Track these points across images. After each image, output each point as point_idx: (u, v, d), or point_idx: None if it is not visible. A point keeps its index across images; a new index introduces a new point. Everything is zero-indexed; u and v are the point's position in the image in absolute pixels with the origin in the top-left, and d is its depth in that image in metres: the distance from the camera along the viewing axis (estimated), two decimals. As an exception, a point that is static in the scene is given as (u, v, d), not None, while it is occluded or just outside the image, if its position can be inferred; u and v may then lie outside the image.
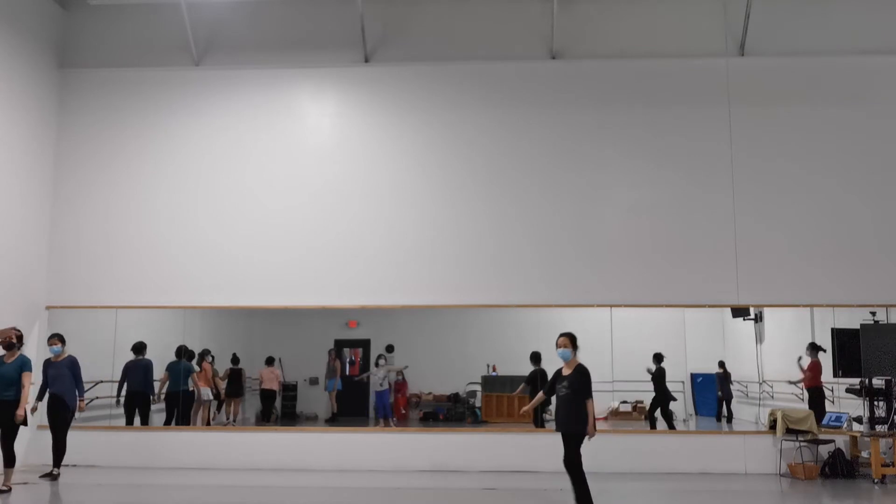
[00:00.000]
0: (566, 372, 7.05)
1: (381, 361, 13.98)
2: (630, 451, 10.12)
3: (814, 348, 10.86)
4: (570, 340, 7.10)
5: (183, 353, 12.28)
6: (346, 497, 8.51)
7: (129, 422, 11.39)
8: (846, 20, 10.62)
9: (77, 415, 9.49)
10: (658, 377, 12.46)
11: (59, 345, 9.26)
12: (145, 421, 11.47)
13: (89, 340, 11.44)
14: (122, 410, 11.67)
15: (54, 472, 9.15)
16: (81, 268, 10.82)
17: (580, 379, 6.93)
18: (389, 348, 15.87)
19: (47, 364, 9.33)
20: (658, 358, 12.59)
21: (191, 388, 12.31)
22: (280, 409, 14.78)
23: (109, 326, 11.43)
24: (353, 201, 10.73)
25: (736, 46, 10.64)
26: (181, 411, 12.32)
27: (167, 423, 11.57)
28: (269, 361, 14.38)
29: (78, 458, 10.33)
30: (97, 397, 11.38)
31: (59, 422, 9.18)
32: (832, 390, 11.15)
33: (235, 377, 13.89)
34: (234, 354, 14.12)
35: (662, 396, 12.25)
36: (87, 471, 9.98)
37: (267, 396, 14.26)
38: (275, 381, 14.26)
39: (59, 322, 10.82)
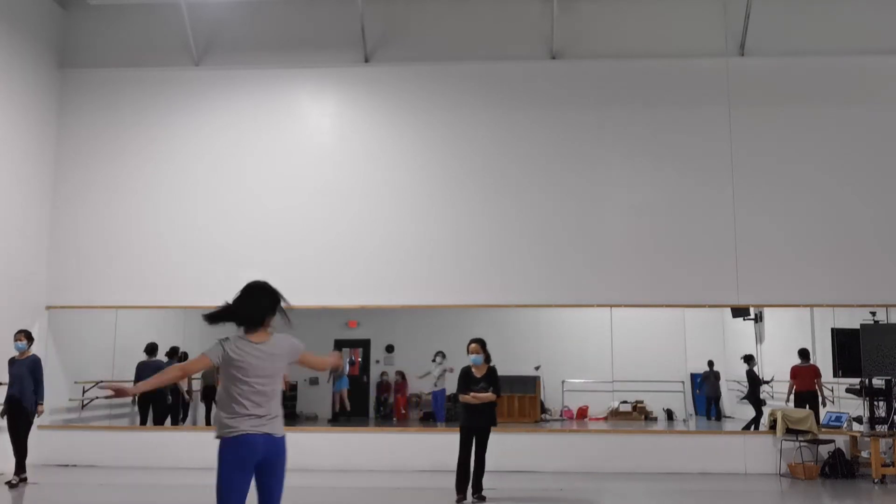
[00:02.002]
0: (478, 374, 7.69)
1: (438, 359, 13.89)
2: (630, 451, 10.10)
3: (802, 355, 11.04)
4: (482, 346, 7.77)
5: (177, 353, 12.38)
6: (346, 497, 8.51)
7: (143, 421, 11.45)
8: (846, 20, 10.60)
9: (35, 419, 8.95)
10: (749, 380, 12.31)
11: (25, 341, 8.79)
12: (160, 420, 11.55)
13: (89, 340, 11.47)
14: (135, 409, 11.82)
15: (13, 481, 8.59)
16: (81, 268, 10.80)
17: (497, 379, 7.72)
18: (389, 348, 15.88)
19: (10, 362, 8.87)
20: (748, 359, 12.32)
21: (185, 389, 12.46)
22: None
23: (109, 326, 11.45)
24: (353, 201, 10.71)
25: (736, 46, 10.63)
26: (177, 411, 12.41)
27: (144, 422, 11.58)
28: None
29: (78, 458, 10.34)
30: (97, 398, 11.40)
31: (20, 426, 8.68)
32: (832, 390, 11.16)
33: None
34: None
35: (753, 398, 12.17)
36: (87, 471, 9.98)
37: None
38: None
39: (59, 322, 10.82)
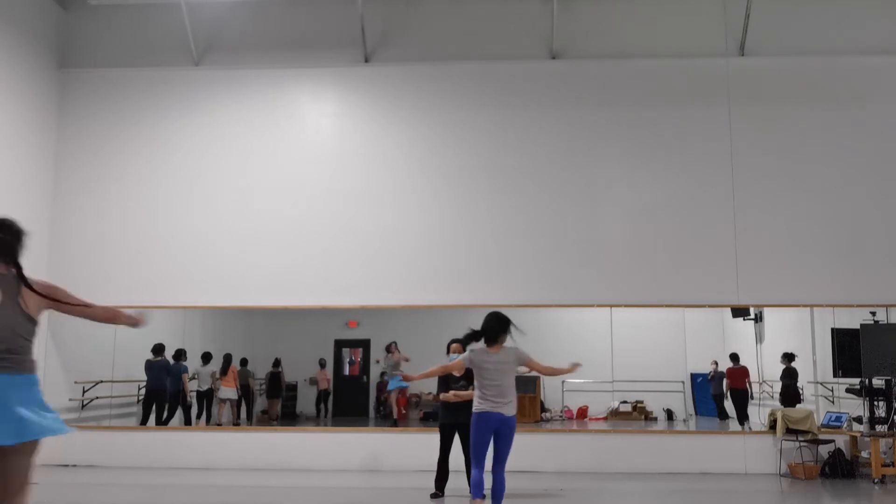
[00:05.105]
0: (458, 373, 7.96)
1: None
2: (630, 451, 10.11)
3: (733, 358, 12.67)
4: (464, 347, 8.11)
5: (180, 355, 12.43)
6: (346, 497, 8.51)
7: (145, 419, 11.46)
8: (846, 20, 10.61)
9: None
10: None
11: None
12: (161, 420, 11.58)
13: (89, 340, 11.46)
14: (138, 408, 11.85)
15: None
16: (81, 268, 10.80)
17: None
18: (389, 348, 15.84)
19: None
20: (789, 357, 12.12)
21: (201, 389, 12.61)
22: (280, 409, 14.84)
23: (109, 326, 11.43)
24: (352, 201, 10.72)
25: (736, 46, 10.64)
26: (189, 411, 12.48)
27: (143, 422, 11.59)
28: (323, 364, 14.70)
29: (78, 458, 10.34)
30: (97, 397, 11.40)
31: None
32: (832, 390, 11.16)
33: (275, 379, 14.22)
34: (277, 359, 14.36)
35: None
36: (88, 471, 9.99)
37: (321, 395, 14.75)
38: (325, 381, 14.71)
39: (59, 322, 10.81)
